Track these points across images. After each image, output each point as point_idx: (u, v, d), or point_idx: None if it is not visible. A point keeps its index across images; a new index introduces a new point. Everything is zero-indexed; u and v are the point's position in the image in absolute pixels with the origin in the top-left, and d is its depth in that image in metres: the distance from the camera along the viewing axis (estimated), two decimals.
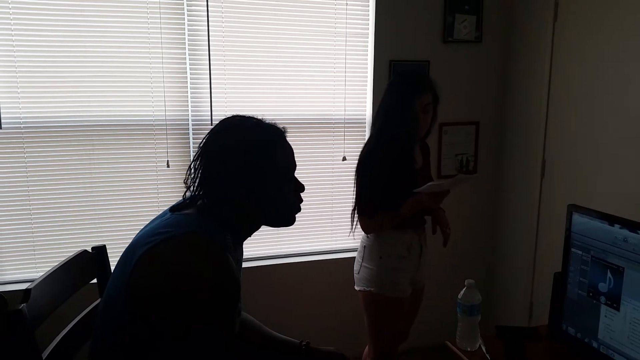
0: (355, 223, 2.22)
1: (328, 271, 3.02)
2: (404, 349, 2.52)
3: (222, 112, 2.71)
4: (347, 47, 2.91)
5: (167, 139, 2.69)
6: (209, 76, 2.71)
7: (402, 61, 2.94)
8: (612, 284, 1.45)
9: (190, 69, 2.69)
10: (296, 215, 1.36)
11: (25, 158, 2.53)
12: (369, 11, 2.92)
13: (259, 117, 1.31)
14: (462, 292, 1.67)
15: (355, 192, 2.20)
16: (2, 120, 2.46)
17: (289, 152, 1.32)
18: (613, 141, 2.43)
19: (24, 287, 1.28)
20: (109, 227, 2.69)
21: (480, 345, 1.67)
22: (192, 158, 1.27)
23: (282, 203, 1.31)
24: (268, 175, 1.25)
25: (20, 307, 1.20)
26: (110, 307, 1.18)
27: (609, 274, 1.46)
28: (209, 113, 2.72)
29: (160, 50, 2.62)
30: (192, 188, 1.25)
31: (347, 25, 2.89)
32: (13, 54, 2.44)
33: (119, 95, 2.61)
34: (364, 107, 3.01)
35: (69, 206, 2.63)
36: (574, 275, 1.58)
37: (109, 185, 2.67)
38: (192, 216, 1.21)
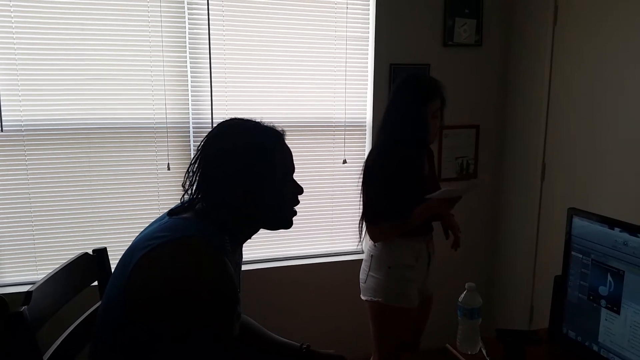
0: (363, 232, 2.17)
1: (329, 274, 3.02)
2: None
3: (223, 115, 2.71)
4: (347, 50, 2.92)
5: (167, 142, 2.70)
6: (209, 79, 2.72)
7: (402, 64, 2.95)
8: (612, 288, 1.45)
9: (191, 72, 2.69)
10: (293, 218, 1.35)
11: (26, 161, 2.53)
12: (369, 14, 2.93)
13: (257, 120, 1.30)
14: (462, 295, 1.67)
15: (362, 201, 2.16)
16: (4, 123, 2.46)
17: (287, 154, 1.32)
18: (613, 144, 2.44)
19: (25, 290, 1.28)
20: (110, 229, 2.69)
21: (480, 349, 1.66)
22: (191, 161, 1.26)
23: (281, 206, 1.31)
24: (266, 179, 1.24)
25: (22, 310, 1.20)
26: (110, 310, 1.18)
27: (609, 278, 1.46)
28: (210, 116, 2.73)
29: (161, 54, 2.62)
30: (190, 191, 1.25)
31: (348, 29, 2.90)
32: (14, 56, 2.45)
33: (120, 98, 2.62)
34: (364, 110, 3.02)
35: (69, 209, 2.63)
36: (575, 278, 1.58)
37: (110, 187, 2.67)
38: (190, 220, 1.21)
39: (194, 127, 2.72)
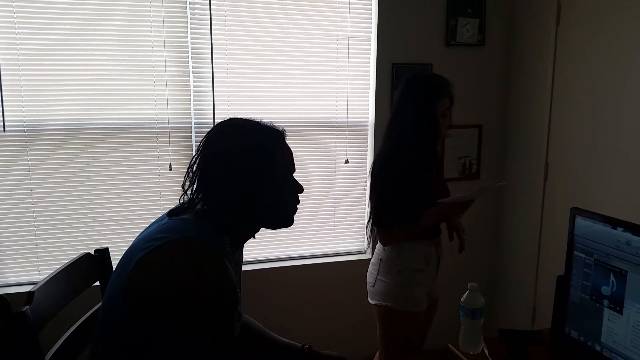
0: (374, 237, 2.14)
1: (331, 274, 3.02)
2: None
3: (225, 115, 2.71)
4: (349, 50, 2.92)
5: (169, 142, 2.70)
6: (211, 79, 2.72)
7: (404, 64, 2.95)
8: (615, 287, 1.45)
9: (193, 72, 2.70)
10: (294, 216, 1.35)
11: (28, 161, 2.54)
12: (371, 14, 2.92)
13: (257, 120, 1.30)
14: (464, 296, 1.67)
15: (371, 204, 2.13)
16: (6, 123, 2.47)
17: (287, 154, 1.31)
18: (616, 144, 2.43)
19: (27, 290, 1.28)
20: (112, 229, 2.70)
21: (483, 349, 1.66)
22: (190, 162, 1.26)
23: (281, 205, 1.30)
24: (266, 179, 1.24)
25: (24, 310, 1.20)
26: (110, 310, 1.18)
27: (612, 277, 1.45)
28: (212, 116, 2.73)
29: (163, 54, 2.63)
30: (189, 192, 1.24)
31: (350, 28, 2.90)
32: (17, 57, 2.45)
33: (122, 99, 2.62)
34: (366, 110, 3.01)
35: (71, 209, 2.64)
36: (577, 278, 1.57)
37: (112, 188, 2.67)
38: (189, 221, 1.20)
39: (196, 127, 2.73)
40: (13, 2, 2.41)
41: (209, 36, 2.68)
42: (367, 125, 3.03)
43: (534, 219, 2.97)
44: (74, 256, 1.54)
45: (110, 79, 2.59)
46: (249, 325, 1.53)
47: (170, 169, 2.70)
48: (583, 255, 1.55)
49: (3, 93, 2.44)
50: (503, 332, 1.73)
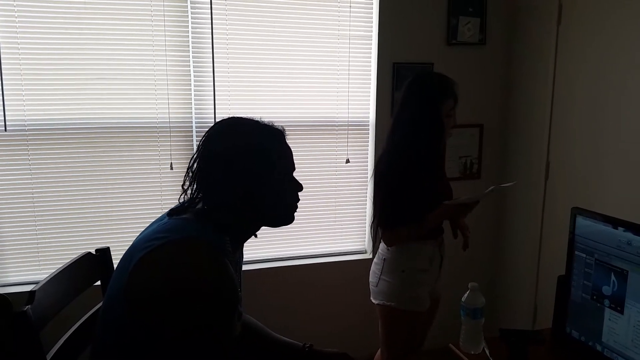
0: (378, 237, 2.13)
1: (331, 273, 3.02)
2: None
3: (226, 114, 2.71)
4: (350, 49, 2.91)
5: (170, 141, 2.70)
6: (212, 78, 2.72)
7: (405, 63, 2.94)
8: (616, 287, 1.44)
9: (194, 71, 2.70)
10: (294, 213, 1.35)
11: (29, 160, 2.54)
12: (372, 13, 2.92)
13: (257, 119, 1.30)
14: (465, 295, 1.67)
15: (375, 205, 2.12)
16: (7, 123, 2.47)
17: (287, 153, 1.31)
18: (617, 144, 2.43)
19: (29, 289, 1.29)
20: (113, 229, 2.70)
21: (483, 349, 1.66)
22: (190, 161, 1.26)
23: (281, 204, 1.30)
24: (266, 178, 1.24)
25: (25, 309, 1.20)
26: (110, 310, 1.19)
27: (612, 277, 1.45)
28: (213, 115, 2.73)
29: (164, 53, 2.63)
30: (189, 191, 1.24)
31: (351, 28, 2.90)
32: (18, 56, 2.45)
33: (123, 98, 2.62)
34: (367, 109, 3.01)
35: (72, 208, 2.64)
36: (578, 278, 1.57)
37: (113, 187, 2.68)
38: (189, 221, 1.20)
39: (196, 126, 2.73)
40: (14, 2, 2.41)
41: (210, 35, 2.68)
42: (368, 125, 3.02)
43: (534, 218, 2.97)
44: (75, 256, 1.54)
45: (111, 78, 2.59)
46: (249, 324, 1.53)
47: (171, 168, 2.71)
48: (584, 255, 1.55)
49: (4, 92, 2.44)
50: (504, 332, 1.73)
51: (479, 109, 3.17)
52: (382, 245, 2.16)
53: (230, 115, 1.31)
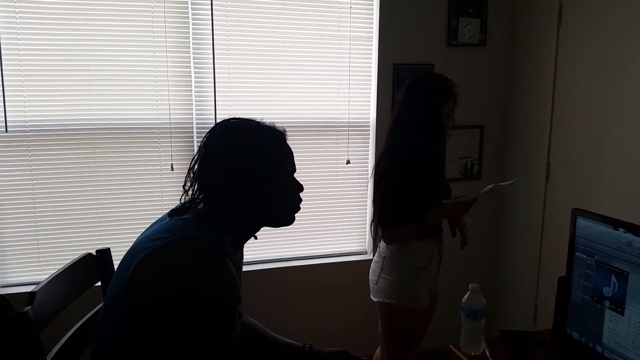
0: (378, 236, 2.15)
1: (332, 274, 3.02)
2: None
3: (227, 115, 2.67)
4: (351, 50, 2.92)
5: (171, 142, 2.70)
6: (213, 79, 2.72)
7: (406, 64, 2.95)
8: (616, 288, 1.44)
9: (195, 72, 2.70)
10: (296, 214, 1.35)
11: (30, 161, 2.54)
12: (373, 14, 2.92)
13: (258, 120, 1.30)
14: (466, 297, 1.67)
15: (375, 205, 2.14)
16: (8, 124, 2.47)
17: (288, 155, 1.31)
18: (617, 145, 2.43)
19: (29, 290, 1.29)
20: (113, 230, 2.70)
21: (484, 350, 1.66)
22: (191, 162, 1.26)
23: (281, 205, 1.31)
24: (267, 179, 1.24)
25: (26, 310, 1.20)
26: (111, 310, 1.19)
27: (613, 278, 1.45)
28: (213, 116, 2.73)
29: (165, 54, 2.63)
30: (190, 192, 1.25)
31: (352, 29, 2.90)
32: (19, 57, 2.46)
33: (124, 99, 2.62)
34: (368, 110, 3.01)
35: (73, 209, 2.64)
36: (579, 279, 1.57)
37: (114, 188, 2.68)
38: (190, 221, 1.21)
39: (197, 128, 2.73)
40: (15, 2, 2.41)
41: (211, 37, 2.68)
42: (369, 126, 3.03)
43: (535, 219, 2.97)
44: (76, 256, 1.54)
45: (112, 80, 2.59)
46: (249, 325, 1.53)
47: (172, 169, 2.71)
48: (584, 256, 1.55)
49: (5, 93, 2.45)
50: (504, 333, 1.73)
51: (480, 110, 3.17)
52: (382, 244, 2.17)
53: (232, 116, 1.31)
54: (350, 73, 2.94)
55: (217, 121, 2.72)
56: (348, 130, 2.99)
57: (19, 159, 2.53)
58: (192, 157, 1.26)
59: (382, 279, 2.14)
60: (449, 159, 3.12)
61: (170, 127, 2.69)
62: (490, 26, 3.08)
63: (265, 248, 2.96)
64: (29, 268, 2.63)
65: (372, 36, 2.95)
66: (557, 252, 2.72)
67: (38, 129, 2.53)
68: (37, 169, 2.56)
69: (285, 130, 1.32)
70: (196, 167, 1.24)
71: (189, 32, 2.66)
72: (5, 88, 2.44)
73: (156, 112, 2.67)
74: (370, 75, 2.98)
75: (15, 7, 2.42)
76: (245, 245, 1.39)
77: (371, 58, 2.96)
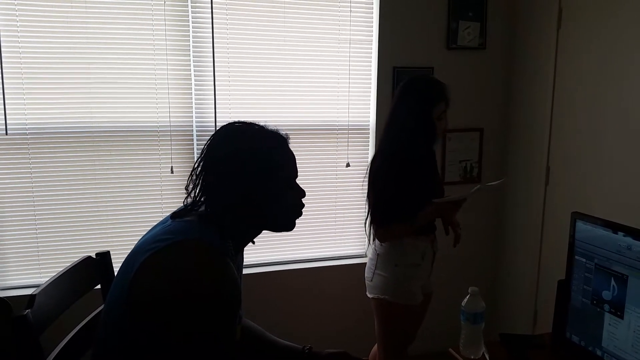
0: (372, 235, 2.20)
1: (332, 277, 3.02)
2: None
3: (227, 118, 2.71)
4: (350, 54, 2.92)
5: (171, 145, 2.70)
6: (213, 83, 2.72)
7: (405, 68, 2.95)
8: (616, 292, 1.44)
9: (195, 75, 2.70)
10: (296, 220, 1.35)
11: (30, 164, 2.54)
12: (372, 18, 2.93)
13: (261, 124, 1.30)
14: (465, 300, 1.67)
15: (369, 204, 2.19)
16: (8, 126, 2.47)
17: (290, 159, 1.32)
18: (617, 148, 2.43)
19: (29, 293, 1.29)
20: (113, 233, 2.70)
21: (483, 353, 1.66)
22: (194, 164, 1.27)
23: (283, 210, 1.31)
24: (269, 183, 1.25)
25: (25, 313, 1.20)
26: (112, 312, 1.19)
27: (612, 282, 1.45)
28: (213, 119, 2.74)
29: (165, 57, 2.63)
30: (192, 194, 1.25)
31: (351, 32, 2.90)
32: (19, 60, 2.46)
33: (124, 102, 2.62)
34: (367, 114, 3.02)
35: (73, 212, 2.64)
36: (578, 283, 1.57)
37: (113, 191, 2.68)
38: (193, 223, 1.21)
39: (197, 131, 2.73)
40: (15, 5, 2.42)
41: (211, 40, 2.69)
42: (369, 129, 3.03)
43: (535, 223, 2.97)
44: (76, 259, 1.54)
45: (112, 82, 2.59)
46: (248, 328, 1.53)
47: (172, 172, 2.71)
48: (584, 260, 1.55)
49: (5, 96, 2.45)
50: (504, 337, 1.73)
51: (479, 113, 3.17)
52: (376, 241, 2.22)
53: (235, 120, 1.31)
54: (350, 76, 2.94)
55: (217, 124, 2.75)
56: (348, 134, 2.99)
57: (19, 161, 2.53)
58: (193, 160, 1.27)
59: (377, 275, 2.20)
60: (449, 162, 3.13)
61: (170, 130, 2.69)
62: (490, 29, 3.08)
63: (266, 251, 2.95)
64: (29, 271, 2.62)
65: (372, 39, 2.95)
66: (556, 254, 2.72)
67: (38, 131, 2.53)
68: (37, 171, 2.56)
69: (288, 136, 1.33)
70: (199, 169, 1.24)
71: (189, 35, 2.66)
72: (5, 90, 2.44)
73: (156, 115, 2.67)
74: (370, 79, 2.98)
75: (16, 10, 2.42)
76: (245, 248, 1.39)
77: (371, 61, 2.97)
